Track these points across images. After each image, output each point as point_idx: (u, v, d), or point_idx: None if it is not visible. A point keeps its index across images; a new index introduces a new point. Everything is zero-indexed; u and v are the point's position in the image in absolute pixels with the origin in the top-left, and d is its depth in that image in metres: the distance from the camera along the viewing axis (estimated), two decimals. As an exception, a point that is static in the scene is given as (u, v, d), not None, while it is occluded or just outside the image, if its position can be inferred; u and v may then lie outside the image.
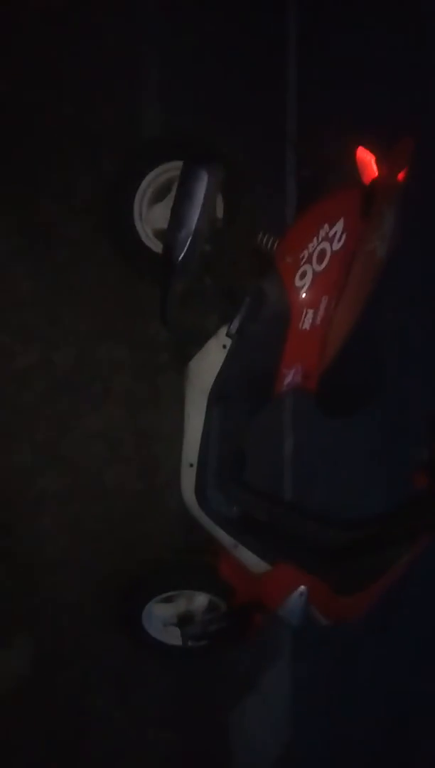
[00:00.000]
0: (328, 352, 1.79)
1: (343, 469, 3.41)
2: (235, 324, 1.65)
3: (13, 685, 1.94)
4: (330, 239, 1.68)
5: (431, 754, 4.14)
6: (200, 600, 2.12)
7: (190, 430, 1.78)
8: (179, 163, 1.65)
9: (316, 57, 2.86)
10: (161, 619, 2.14)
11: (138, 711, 2.34)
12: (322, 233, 1.68)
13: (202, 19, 2.33)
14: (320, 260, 1.69)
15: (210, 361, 1.70)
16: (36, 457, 1.94)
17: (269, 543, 1.90)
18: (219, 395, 1.72)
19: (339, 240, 1.69)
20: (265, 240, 1.84)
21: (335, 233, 1.68)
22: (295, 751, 3.25)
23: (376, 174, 1.75)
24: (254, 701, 2.93)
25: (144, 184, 1.91)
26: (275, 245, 1.81)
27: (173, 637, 2.15)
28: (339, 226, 1.68)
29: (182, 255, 1.59)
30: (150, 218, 1.94)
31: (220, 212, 1.88)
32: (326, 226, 1.68)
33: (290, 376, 1.78)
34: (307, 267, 1.68)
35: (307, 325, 1.72)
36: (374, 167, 1.75)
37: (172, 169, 1.88)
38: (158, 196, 1.94)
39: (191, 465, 1.78)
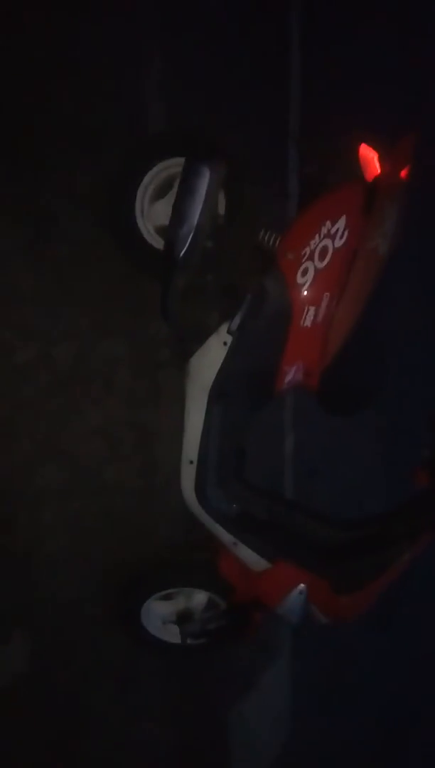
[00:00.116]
0: (330, 350, 1.78)
1: (344, 467, 3.41)
2: (237, 321, 1.64)
3: (11, 682, 1.94)
4: (332, 236, 1.68)
5: (431, 754, 4.13)
6: (199, 598, 2.12)
7: (190, 427, 1.77)
8: (181, 160, 1.64)
9: (319, 53, 2.84)
10: (160, 616, 2.14)
11: (136, 708, 2.34)
12: (324, 230, 1.67)
13: (205, 16, 2.32)
14: (322, 257, 1.68)
15: (211, 357, 1.69)
16: (36, 453, 1.94)
17: (269, 541, 1.89)
18: (220, 392, 1.71)
19: (341, 237, 1.68)
20: (266, 237, 1.83)
21: (337, 230, 1.68)
22: (294, 750, 3.25)
23: (379, 171, 1.74)
24: (253, 699, 2.93)
25: (146, 180, 1.91)
26: (277, 242, 1.81)
27: (172, 635, 2.15)
28: (341, 223, 1.67)
29: (184, 251, 1.58)
30: (152, 215, 1.94)
31: (221, 209, 1.87)
32: (328, 223, 1.67)
33: (291, 374, 1.78)
34: (308, 264, 1.67)
35: (308, 323, 1.71)
36: (377, 164, 1.75)
37: (173, 165, 1.87)
38: (160, 193, 1.93)
39: (191, 462, 1.78)
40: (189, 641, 2.11)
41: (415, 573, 2.01)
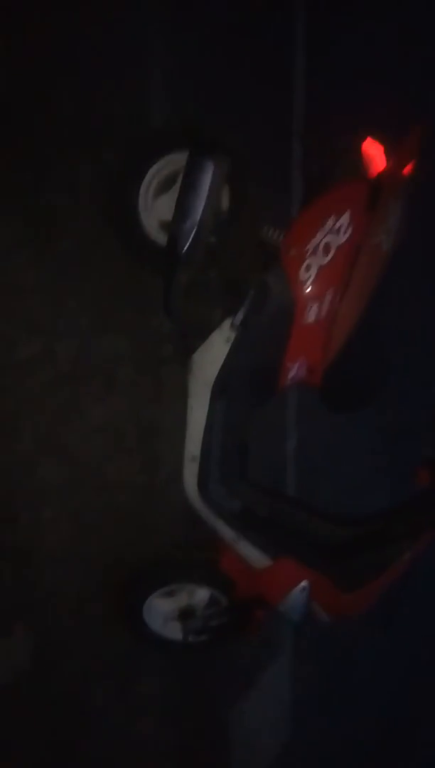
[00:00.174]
0: (333, 347, 1.78)
1: (347, 466, 3.40)
2: (239, 317, 1.64)
3: (13, 678, 1.94)
4: (335, 232, 1.67)
5: (431, 754, 4.12)
6: (201, 594, 2.11)
7: (192, 423, 1.76)
8: (184, 155, 1.64)
9: (323, 49, 2.85)
10: (162, 613, 2.13)
11: (137, 706, 2.34)
12: (327, 226, 1.67)
13: (209, 12, 2.32)
14: (325, 253, 1.68)
15: (213, 353, 1.69)
16: (38, 448, 1.94)
17: (271, 538, 1.89)
18: (222, 388, 1.71)
19: (344, 233, 1.68)
20: (270, 232, 1.83)
21: (341, 226, 1.67)
22: (295, 750, 3.24)
23: (383, 167, 1.74)
24: (254, 698, 2.92)
25: (149, 175, 1.90)
26: (280, 238, 1.80)
27: (174, 632, 2.14)
28: (345, 218, 1.67)
29: (187, 246, 1.57)
30: (155, 210, 1.93)
31: (225, 204, 1.87)
32: (332, 218, 1.67)
33: (294, 370, 1.78)
34: (311, 260, 1.67)
35: (311, 319, 1.71)
36: (381, 160, 1.74)
37: (177, 160, 1.87)
38: (163, 188, 1.93)
39: (194, 458, 1.77)
40: (191, 638, 2.10)
41: (415, 573, 2.01)
